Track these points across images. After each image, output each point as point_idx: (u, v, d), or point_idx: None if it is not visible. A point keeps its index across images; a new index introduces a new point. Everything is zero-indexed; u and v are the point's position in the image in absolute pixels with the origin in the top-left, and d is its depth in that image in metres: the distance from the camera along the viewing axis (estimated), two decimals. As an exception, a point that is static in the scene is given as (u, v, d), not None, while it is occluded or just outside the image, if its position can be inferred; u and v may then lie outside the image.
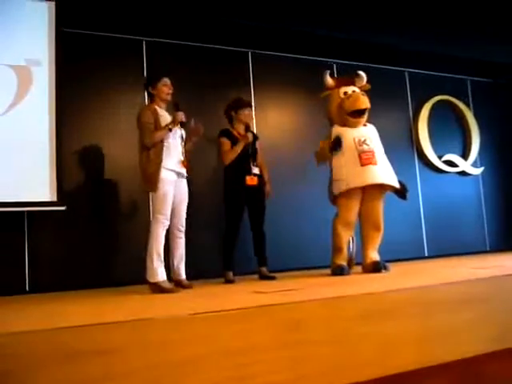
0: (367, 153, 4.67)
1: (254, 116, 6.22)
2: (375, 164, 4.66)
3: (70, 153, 5.30)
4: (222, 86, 6.12)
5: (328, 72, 5.02)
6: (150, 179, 4.24)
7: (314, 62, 6.78)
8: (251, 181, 4.97)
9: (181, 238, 4.48)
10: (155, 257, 4.14)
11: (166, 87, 4.49)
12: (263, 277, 4.95)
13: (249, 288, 3.82)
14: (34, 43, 5.16)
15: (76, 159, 5.36)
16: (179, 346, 1.57)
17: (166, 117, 4.42)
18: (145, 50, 5.87)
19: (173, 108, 4.48)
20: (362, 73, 5.00)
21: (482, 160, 7.95)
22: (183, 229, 4.49)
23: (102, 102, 5.43)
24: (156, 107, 4.42)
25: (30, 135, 5.00)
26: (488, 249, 7.71)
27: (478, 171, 7.90)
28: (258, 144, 5.20)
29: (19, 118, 4.97)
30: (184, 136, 4.53)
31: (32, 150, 4.98)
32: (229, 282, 4.85)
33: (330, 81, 4.99)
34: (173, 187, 4.32)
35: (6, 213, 4.89)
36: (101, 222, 5.35)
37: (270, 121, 6.46)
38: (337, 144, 4.75)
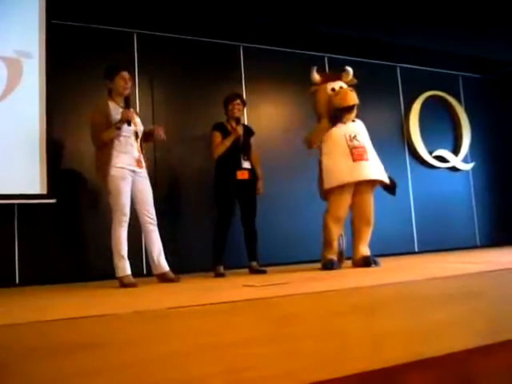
0: (358, 148, 4.68)
1: (245, 110, 6.21)
2: (367, 160, 4.67)
3: (60, 145, 5.28)
4: (213, 80, 6.11)
5: (315, 68, 5.00)
6: (102, 178, 4.22)
7: (306, 56, 6.77)
8: (242, 175, 4.97)
9: (154, 230, 4.39)
10: (115, 253, 4.14)
11: (122, 81, 4.34)
12: (254, 271, 4.95)
13: (239, 282, 3.82)
14: (24, 35, 5.12)
15: (66, 152, 5.34)
16: (166, 339, 1.57)
17: (119, 114, 4.27)
18: (136, 42, 5.85)
19: (123, 104, 4.33)
20: (348, 68, 4.98)
21: (472, 155, 7.98)
22: (154, 221, 4.40)
23: (92, 95, 5.38)
24: (110, 104, 4.30)
25: (20, 128, 4.97)
26: (478, 244, 7.74)
27: (468, 167, 7.93)
28: (252, 139, 5.20)
29: (9, 110, 4.94)
30: (139, 133, 4.42)
31: (22, 142, 4.95)
32: (219, 275, 4.85)
33: (316, 77, 4.97)
34: (127, 182, 4.24)
35: (-4, 205, 4.87)
36: (91, 214, 5.33)
37: (262, 115, 6.45)
38: (338, 114, 4.75)
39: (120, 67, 4.40)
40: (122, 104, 4.34)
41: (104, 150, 4.19)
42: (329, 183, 4.72)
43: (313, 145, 4.93)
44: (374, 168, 4.71)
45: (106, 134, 4.17)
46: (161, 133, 4.52)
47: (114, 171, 4.16)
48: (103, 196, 4.96)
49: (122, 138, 4.23)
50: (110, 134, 4.18)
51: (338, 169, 4.67)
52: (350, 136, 4.72)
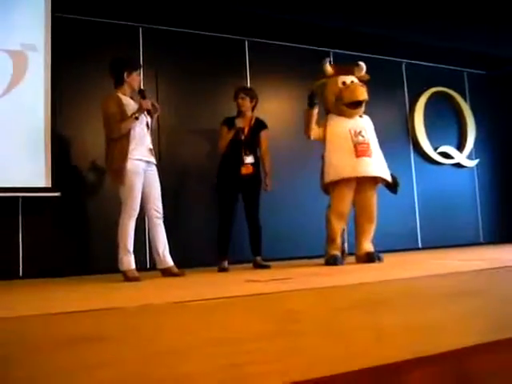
0: (362, 144, 4.66)
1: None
2: (369, 156, 4.66)
3: (65, 138, 5.29)
4: (218, 75, 6.10)
5: (328, 60, 4.97)
6: (116, 171, 4.18)
7: (311, 51, 6.76)
8: (246, 170, 4.96)
9: (160, 225, 4.41)
10: (122, 246, 4.13)
11: (138, 77, 4.45)
12: (257, 266, 4.96)
13: (242, 277, 3.83)
14: (29, 28, 5.12)
15: (71, 145, 5.35)
16: (170, 333, 1.58)
17: (130, 105, 4.32)
18: (141, 36, 5.84)
19: (138, 95, 4.39)
20: (361, 63, 4.95)
21: (477, 152, 7.96)
22: (161, 215, 4.43)
23: (97, 89, 5.39)
24: (120, 95, 4.30)
25: (24, 120, 4.98)
26: (482, 241, 7.73)
27: (473, 163, 7.91)
28: (264, 133, 5.19)
29: (14, 103, 4.94)
30: (150, 123, 4.46)
31: (27, 135, 4.96)
32: (222, 270, 4.86)
33: (329, 68, 4.94)
34: (141, 177, 4.26)
35: (1, 198, 4.87)
36: (96, 208, 5.35)
37: (266, 110, 6.42)
38: (312, 99, 4.73)
39: (140, 64, 4.47)
40: (130, 95, 4.39)
41: (121, 142, 4.18)
42: (329, 177, 4.72)
43: (308, 132, 4.87)
44: (376, 165, 4.69)
45: (125, 125, 4.17)
46: (156, 105, 4.47)
47: (130, 164, 4.16)
48: (108, 189, 4.98)
49: (137, 129, 4.26)
50: (129, 124, 4.19)
51: (340, 163, 4.66)
52: (355, 131, 4.71)
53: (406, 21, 6.57)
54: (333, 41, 6.86)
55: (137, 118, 4.21)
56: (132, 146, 4.20)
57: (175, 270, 4.37)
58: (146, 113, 4.34)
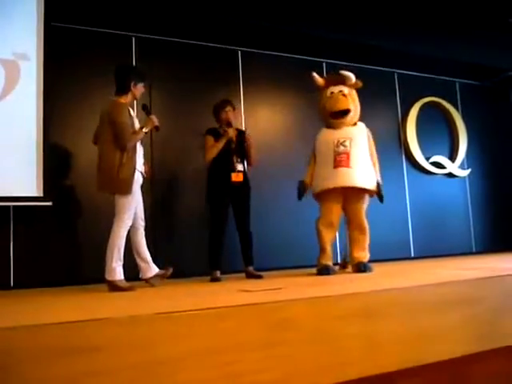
0: (342, 155, 4.60)
1: (242, 114, 6.23)
2: (347, 166, 4.59)
3: (57, 148, 5.27)
4: (211, 84, 6.11)
5: (314, 73, 4.96)
6: (123, 182, 4.11)
7: (304, 61, 6.78)
8: (236, 177, 4.95)
9: (143, 233, 4.44)
10: (116, 255, 4.09)
11: (143, 89, 4.44)
12: (250, 275, 4.94)
13: (234, 287, 3.81)
14: (22, 37, 5.11)
15: (63, 154, 5.33)
16: (165, 343, 1.56)
17: (135, 116, 4.36)
18: (134, 46, 5.85)
19: (142, 111, 4.47)
20: (346, 73, 4.85)
21: (469, 162, 8.01)
22: (144, 224, 4.47)
23: (90, 98, 5.39)
24: (128, 107, 4.26)
25: (17, 130, 4.96)
26: (474, 250, 7.76)
27: (464, 173, 7.95)
28: (249, 141, 5.16)
29: (6, 112, 4.92)
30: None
31: (19, 144, 4.94)
32: (215, 280, 4.83)
33: (319, 80, 4.94)
34: (139, 188, 4.32)
35: (-9, 207, 4.85)
36: (88, 217, 5.33)
37: (259, 119, 6.46)
38: (300, 191, 4.86)
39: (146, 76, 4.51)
40: (130, 105, 4.36)
41: (129, 153, 4.15)
42: (314, 189, 4.78)
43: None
44: (356, 175, 4.61)
45: (138, 136, 4.20)
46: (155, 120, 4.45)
47: (136, 175, 4.20)
48: (99, 199, 4.95)
49: (137, 143, 4.27)
50: (140, 136, 4.23)
51: (320, 175, 4.70)
52: (338, 141, 4.67)
53: (398, 31, 6.61)
54: (326, 51, 6.89)
55: (146, 133, 4.27)
56: (136, 157, 4.22)
57: (162, 272, 4.44)
58: (156, 129, 4.41)
